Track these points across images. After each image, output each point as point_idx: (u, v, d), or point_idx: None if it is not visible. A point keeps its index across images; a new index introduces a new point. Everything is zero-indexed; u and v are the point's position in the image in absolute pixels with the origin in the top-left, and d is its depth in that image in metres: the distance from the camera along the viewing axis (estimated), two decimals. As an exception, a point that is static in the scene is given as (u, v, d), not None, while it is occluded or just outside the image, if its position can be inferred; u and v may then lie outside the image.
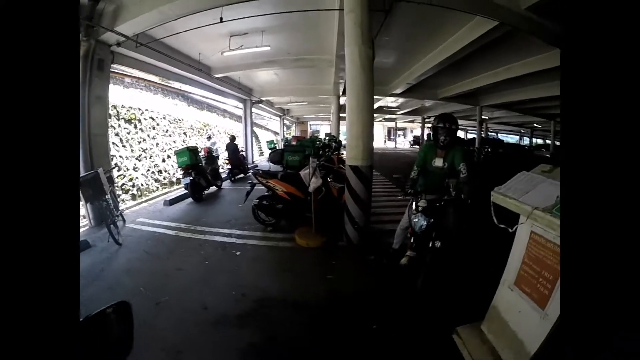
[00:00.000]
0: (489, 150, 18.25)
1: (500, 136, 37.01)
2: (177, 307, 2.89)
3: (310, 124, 38.57)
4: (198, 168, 7.59)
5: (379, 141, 40.36)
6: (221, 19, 4.92)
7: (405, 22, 6.38)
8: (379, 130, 41.08)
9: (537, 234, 1.91)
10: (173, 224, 5.61)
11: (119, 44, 5.76)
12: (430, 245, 2.86)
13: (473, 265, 3.48)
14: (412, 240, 3.16)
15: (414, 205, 3.06)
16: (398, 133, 38.27)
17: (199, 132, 13.53)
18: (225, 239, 4.75)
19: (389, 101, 19.32)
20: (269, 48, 6.96)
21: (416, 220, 2.94)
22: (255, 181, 5.23)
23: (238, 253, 4.23)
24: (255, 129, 20.55)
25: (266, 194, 5.12)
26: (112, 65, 6.14)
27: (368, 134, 4.28)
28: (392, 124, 35.72)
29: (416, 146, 24.42)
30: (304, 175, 4.54)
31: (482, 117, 19.68)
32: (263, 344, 2.37)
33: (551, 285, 1.76)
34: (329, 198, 4.91)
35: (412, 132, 34.57)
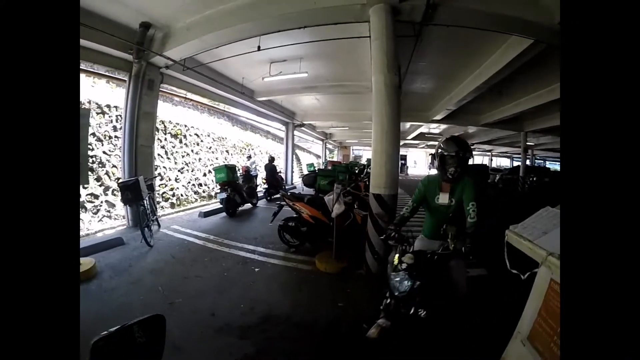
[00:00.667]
0: (534, 179, 17.08)
1: (548, 164, 34.50)
2: (187, 309, 3.05)
3: (353, 149, 38.93)
4: (234, 185, 7.98)
5: (423, 168, 39.46)
6: (259, 47, 5.28)
7: (439, 47, 6.34)
8: (422, 157, 40.26)
9: (557, 283, 1.58)
10: (203, 235, 5.90)
11: (167, 67, 6.40)
12: (411, 312, 2.10)
13: (480, 317, 3.03)
14: (387, 302, 2.25)
15: (395, 258, 2.34)
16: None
17: (241, 151, 14.24)
18: (248, 255, 4.89)
19: (432, 127, 19.00)
20: (306, 74, 7.28)
21: (398, 279, 2.20)
22: (284, 202, 5.35)
23: (257, 269, 4.32)
24: (297, 151, 21.09)
25: (293, 216, 5.21)
26: (162, 85, 6.80)
27: (392, 163, 4.17)
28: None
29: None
30: (328, 201, 4.60)
31: (527, 143, 18.54)
32: (257, 356, 2.40)
33: (566, 346, 1.50)
34: (353, 225, 4.89)
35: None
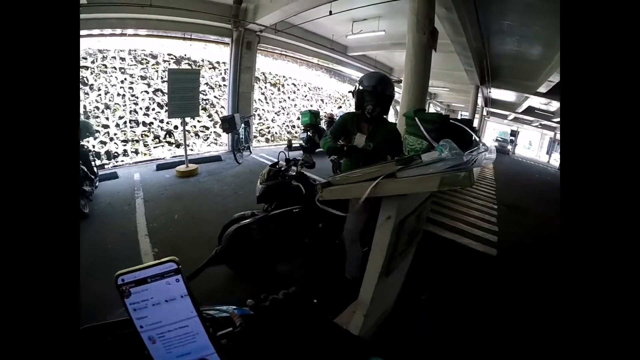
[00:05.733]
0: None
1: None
2: (244, 196, 4.75)
3: (460, 114, 36.41)
4: (315, 127, 9.38)
5: (537, 152, 33.75)
6: (330, 12, 6.06)
7: (524, 2, 5.69)
8: (537, 138, 34.54)
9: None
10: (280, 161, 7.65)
11: (261, 31, 7.90)
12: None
13: None
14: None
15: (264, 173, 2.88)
16: (559, 147, 31.54)
17: (335, 100, 15.59)
18: (303, 177, 6.43)
19: (543, 103, 16.77)
20: (383, 33, 7.76)
21: (259, 184, 2.85)
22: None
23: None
24: (399, 108, 21.17)
25: None
26: (260, 44, 8.46)
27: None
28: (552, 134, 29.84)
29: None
30: None
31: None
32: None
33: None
34: None
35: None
